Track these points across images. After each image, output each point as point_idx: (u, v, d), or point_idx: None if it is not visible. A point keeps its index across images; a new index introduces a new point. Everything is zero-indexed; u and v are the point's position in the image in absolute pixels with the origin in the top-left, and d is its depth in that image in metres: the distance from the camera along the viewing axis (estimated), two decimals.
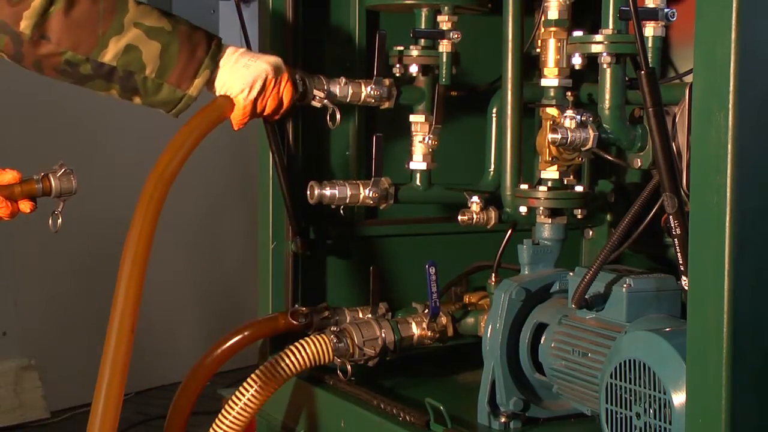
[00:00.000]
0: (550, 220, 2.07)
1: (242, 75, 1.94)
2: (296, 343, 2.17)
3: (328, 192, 2.27)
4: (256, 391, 2.12)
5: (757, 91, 1.39)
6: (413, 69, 2.35)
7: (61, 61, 1.82)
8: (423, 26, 2.35)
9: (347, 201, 2.30)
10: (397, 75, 2.36)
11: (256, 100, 1.97)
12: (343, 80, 2.27)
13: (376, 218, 2.59)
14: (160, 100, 1.90)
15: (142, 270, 1.71)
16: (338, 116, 2.19)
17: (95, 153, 4.74)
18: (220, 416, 2.14)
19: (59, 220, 1.96)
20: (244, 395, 2.13)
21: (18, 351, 4.54)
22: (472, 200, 2.22)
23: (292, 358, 2.15)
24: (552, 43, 2.09)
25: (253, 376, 2.14)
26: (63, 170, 1.97)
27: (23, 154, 4.56)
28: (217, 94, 1.97)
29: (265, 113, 2.02)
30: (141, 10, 1.86)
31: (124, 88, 1.87)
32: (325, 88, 2.21)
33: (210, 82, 1.94)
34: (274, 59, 2.01)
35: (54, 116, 4.62)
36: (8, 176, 1.93)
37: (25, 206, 1.95)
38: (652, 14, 1.98)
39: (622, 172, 2.42)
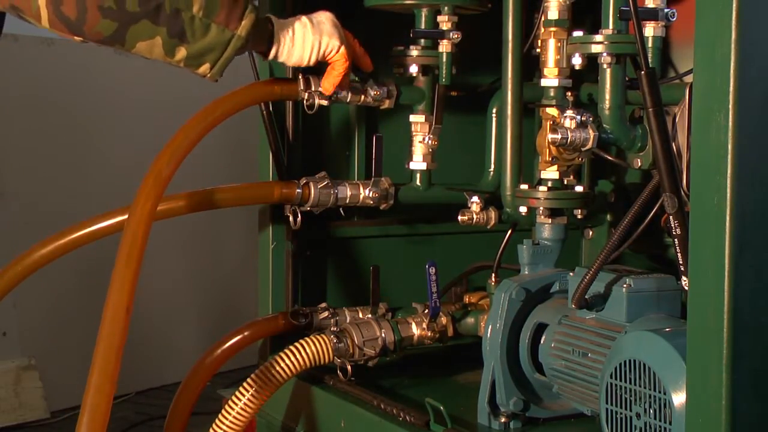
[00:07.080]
0: (550, 220, 2.07)
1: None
2: (296, 343, 2.17)
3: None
4: (256, 391, 2.12)
5: (757, 91, 1.39)
6: (413, 69, 2.35)
7: None
8: (423, 26, 2.35)
9: (347, 201, 2.30)
10: (397, 75, 2.36)
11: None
12: None
13: (376, 218, 2.59)
14: (208, 44, 1.83)
15: (139, 255, 1.70)
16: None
17: (95, 153, 4.74)
18: (220, 416, 2.14)
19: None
20: (244, 395, 2.13)
21: (18, 351, 4.54)
22: (472, 200, 2.22)
23: (292, 358, 2.15)
24: (552, 43, 2.09)
25: (253, 376, 2.14)
26: (325, 182, 2.24)
27: (23, 155, 4.57)
28: (284, 54, 1.99)
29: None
30: None
31: (171, 30, 1.80)
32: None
33: (255, 27, 1.89)
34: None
35: (54, 117, 4.62)
36: None
37: None
38: (652, 14, 1.98)
39: (622, 172, 2.42)
